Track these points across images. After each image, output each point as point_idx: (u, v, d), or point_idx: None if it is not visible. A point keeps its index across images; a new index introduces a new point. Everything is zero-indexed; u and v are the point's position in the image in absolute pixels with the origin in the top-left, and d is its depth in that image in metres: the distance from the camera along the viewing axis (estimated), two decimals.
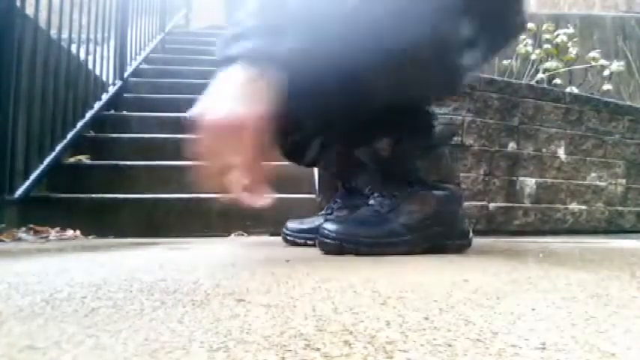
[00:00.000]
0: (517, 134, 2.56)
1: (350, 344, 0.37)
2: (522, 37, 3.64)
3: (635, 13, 4.58)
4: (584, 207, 2.75)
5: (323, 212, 1.41)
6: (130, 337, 0.38)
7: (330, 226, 1.05)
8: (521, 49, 3.57)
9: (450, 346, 0.37)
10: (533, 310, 0.50)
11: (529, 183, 2.58)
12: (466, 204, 2.37)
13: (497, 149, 2.49)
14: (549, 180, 2.64)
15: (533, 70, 3.51)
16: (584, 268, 0.90)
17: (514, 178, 2.54)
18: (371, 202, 1.13)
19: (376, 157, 1.13)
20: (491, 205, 2.46)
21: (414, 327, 0.42)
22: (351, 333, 0.40)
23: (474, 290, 0.60)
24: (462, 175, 2.37)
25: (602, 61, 3.53)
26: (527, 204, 2.56)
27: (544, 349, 0.36)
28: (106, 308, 0.49)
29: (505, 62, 3.70)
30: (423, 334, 0.40)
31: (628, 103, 3.49)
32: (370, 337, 0.39)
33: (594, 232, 2.75)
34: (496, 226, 2.45)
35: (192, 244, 1.39)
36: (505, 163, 2.51)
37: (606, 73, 3.55)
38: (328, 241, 1.04)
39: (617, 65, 3.54)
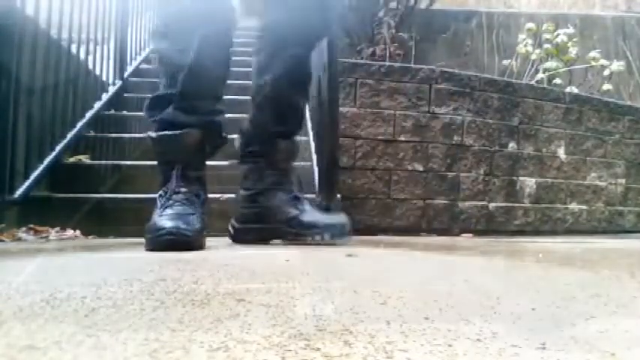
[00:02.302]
0: (517, 134, 2.55)
1: (350, 344, 0.37)
2: (522, 37, 3.64)
3: (635, 13, 4.58)
4: (584, 207, 2.75)
5: None
6: (130, 337, 0.38)
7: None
8: (521, 49, 3.57)
9: (450, 346, 0.37)
10: (533, 310, 0.50)
11: (529, 183, 2.57)
12: (466, 204, 2.38)
13: (497, 149, 2.49)
14: (549, 180, 2.64)
15: (533, 70, 3.50)
16: (584, 268, 0.90)
17: (514, 178, 2.54)
18: None
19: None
20: (491, 205, 2.46)
21: (414, 327, 0.42)
22: (351, 333, 0.40)
23: (474, 290, 0.60)
24: (461, 175, 2.38)
25: (602, 61, 3.53)
26: (527, 204, 2.56)
27: (544, 349, 0.36)
28: (106, 308, 0.49)
29: (505, 62, 3.70)
30: (423, 334, 0.40)
31: (628, 103, 3.49)
32: (370, 337, 0.39)
33: (594, 232, 2.75)
34: (496, 226, 2.45)
35: None
36: (505, 163, 2.51)
37: (606, 73, 3.54)
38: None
39: (617, 65, 3.53)
